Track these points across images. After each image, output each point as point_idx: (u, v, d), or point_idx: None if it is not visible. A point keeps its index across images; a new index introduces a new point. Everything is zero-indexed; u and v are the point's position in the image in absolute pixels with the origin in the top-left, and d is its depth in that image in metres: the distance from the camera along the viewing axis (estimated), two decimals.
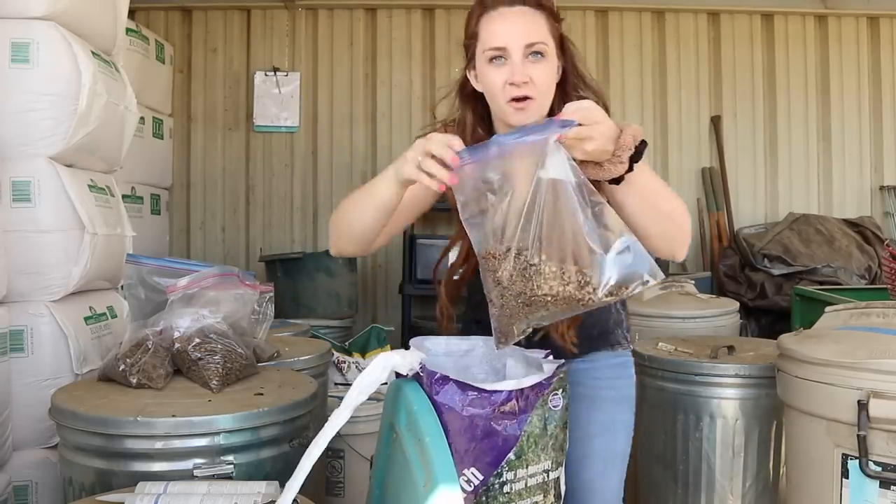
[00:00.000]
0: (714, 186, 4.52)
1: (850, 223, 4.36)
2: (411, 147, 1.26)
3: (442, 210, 1.86)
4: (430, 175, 1.21)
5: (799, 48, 4.56)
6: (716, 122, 4.56)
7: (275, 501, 1.23)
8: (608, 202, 1.24)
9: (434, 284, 1.58)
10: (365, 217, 1.39)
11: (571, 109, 1.22)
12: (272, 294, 1.95)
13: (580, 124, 1.20)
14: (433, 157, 1.21)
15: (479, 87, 1.45)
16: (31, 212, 2.08)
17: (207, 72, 4.48)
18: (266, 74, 4.41)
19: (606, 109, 1.39)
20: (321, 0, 4.47)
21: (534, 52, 1.37)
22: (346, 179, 4.49)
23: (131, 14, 3.10)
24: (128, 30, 3.19)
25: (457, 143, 1.22)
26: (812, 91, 4.58)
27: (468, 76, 1.47)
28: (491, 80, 1.39)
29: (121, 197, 2.53)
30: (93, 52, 2.24)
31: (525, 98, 1.37)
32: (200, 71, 4.48)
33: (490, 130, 1.49)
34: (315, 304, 3.85)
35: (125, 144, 2.52)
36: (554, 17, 1.42)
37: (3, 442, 1.99)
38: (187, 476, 1.38)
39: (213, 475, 1.39)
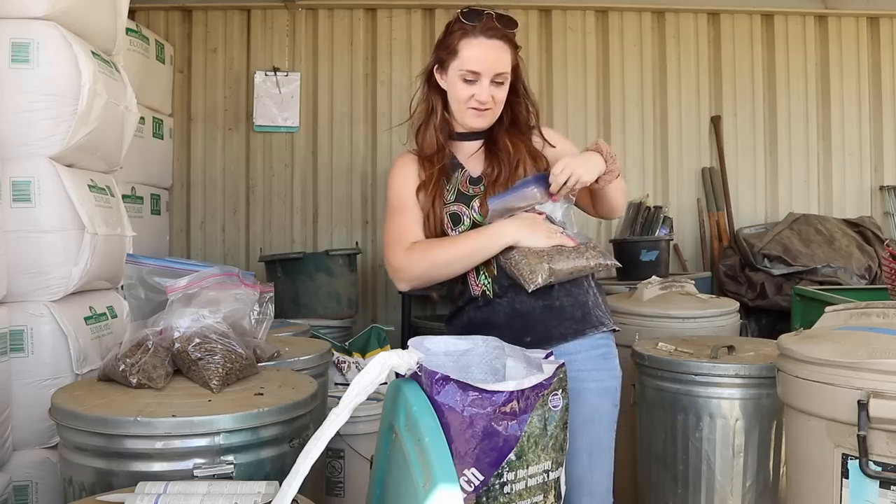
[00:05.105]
0: (714, 186, 4.51)
1: (850, 223, 4.36)
2: (521, 225, 1.63)
3: None
4: None
5: (799, 48, 4.56)
6: (716, 122, 4.56)
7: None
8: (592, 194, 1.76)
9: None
10: (465, 265, 1.66)
11: (559, 173, 1.60)
12: (272, 294, 1.95)
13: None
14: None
15: (444, 86, 1.74)
16: (31, 212, 2.08)
17: (207, 72, 4.47)
18: (266, 74, 4.41)
19: (537, 116, 1.81)
20: (321, 0, 4.47)
21: (498, 82, 1.69)
22: (346, 179, 4.49)
23: (131, 14, 3.10)
24: (128, 30, 3.19)
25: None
26: (812, 91, 4.58)
27: (435, 73, 1.75)
28: (460, 93, 1.70)
29: (121, 197, 2.53)
30: (93, 52, 2.24)
31: (485, 109, 1.71)
32: (200, 71, 4.47)
33: (449, 122, 1.78)
34: (315, 304, 3.84)
35: (125, 144, 2.52)
36: (516, 49, 1.73)
37: (3, 442, 1.99)
38: (187, 476, 1.38)
39: (213, 475, 1.38)
